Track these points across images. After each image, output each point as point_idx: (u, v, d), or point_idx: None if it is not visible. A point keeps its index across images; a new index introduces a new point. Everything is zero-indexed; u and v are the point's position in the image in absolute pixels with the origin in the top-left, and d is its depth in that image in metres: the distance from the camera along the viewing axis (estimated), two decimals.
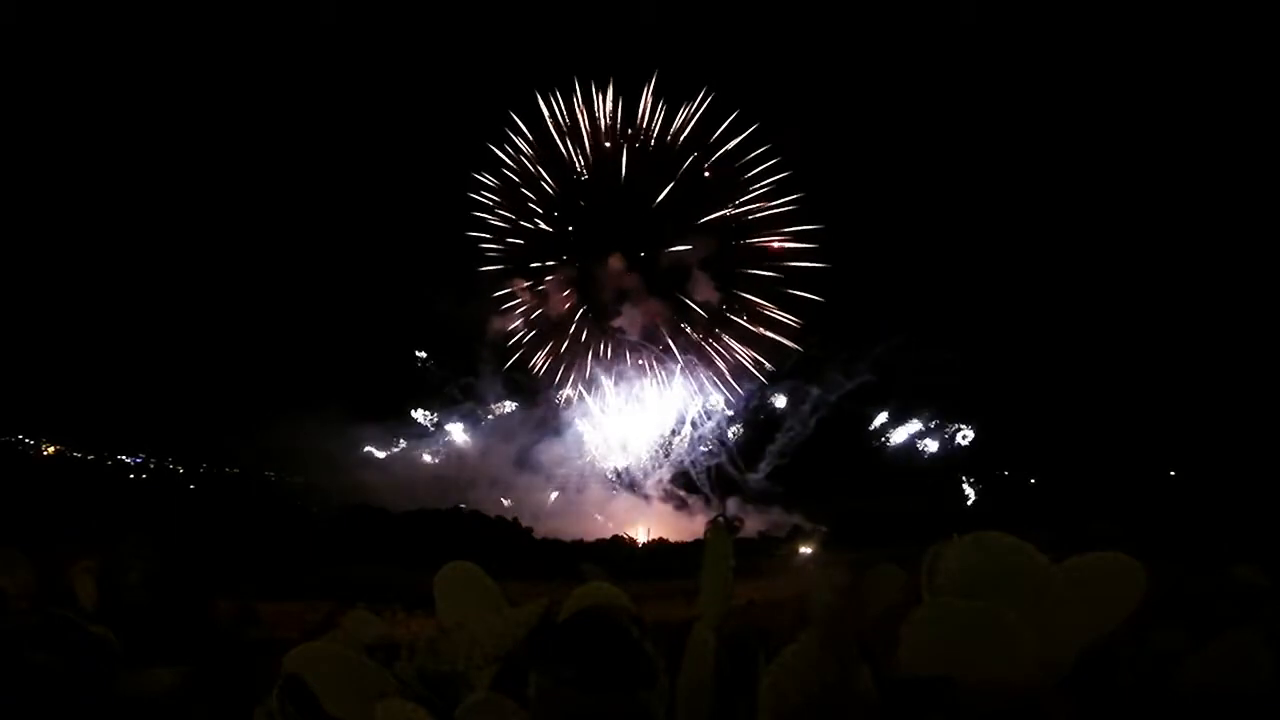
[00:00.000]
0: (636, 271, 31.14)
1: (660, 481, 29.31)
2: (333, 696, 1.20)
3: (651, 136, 31.99)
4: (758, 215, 31.45)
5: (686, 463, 29.61)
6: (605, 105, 32.33)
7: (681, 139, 31.89)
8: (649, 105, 31.99)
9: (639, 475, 29.71)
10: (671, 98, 32.35)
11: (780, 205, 31.55)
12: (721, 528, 1.26)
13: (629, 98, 32.63)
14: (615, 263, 30.51)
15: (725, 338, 30.85)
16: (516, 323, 32.75)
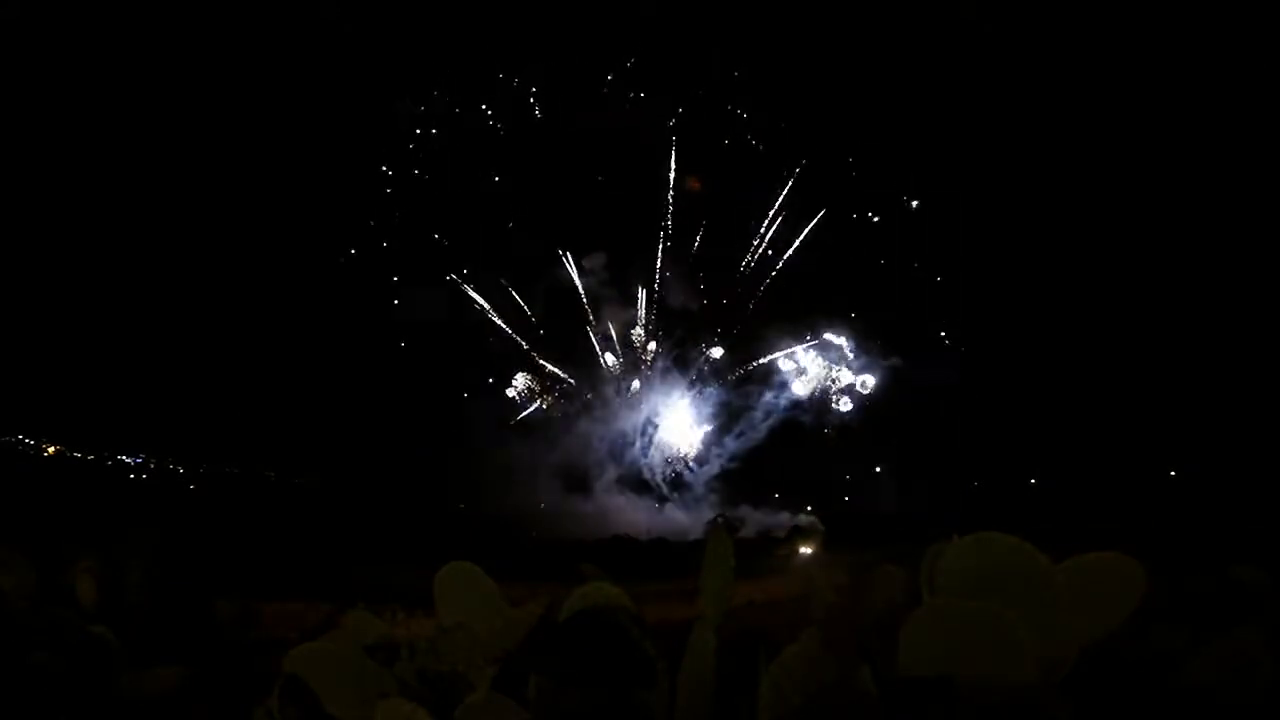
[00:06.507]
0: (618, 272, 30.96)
1: (609, 482, 29.46)
2: (333, 696, 1.20)
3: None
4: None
5: (640, 463, 29.71)
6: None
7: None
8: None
9: (593, 474, 29.86)
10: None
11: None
12: (722, 529, 1.26)
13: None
14: (597, 263, 30.37)
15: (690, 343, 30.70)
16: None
